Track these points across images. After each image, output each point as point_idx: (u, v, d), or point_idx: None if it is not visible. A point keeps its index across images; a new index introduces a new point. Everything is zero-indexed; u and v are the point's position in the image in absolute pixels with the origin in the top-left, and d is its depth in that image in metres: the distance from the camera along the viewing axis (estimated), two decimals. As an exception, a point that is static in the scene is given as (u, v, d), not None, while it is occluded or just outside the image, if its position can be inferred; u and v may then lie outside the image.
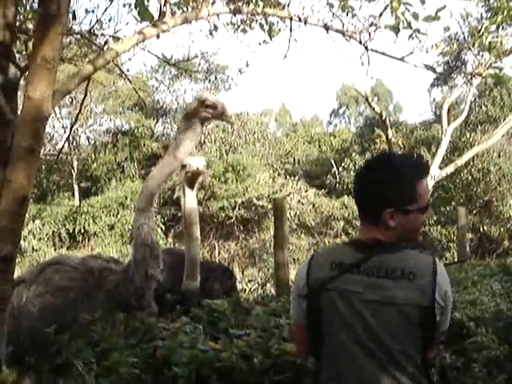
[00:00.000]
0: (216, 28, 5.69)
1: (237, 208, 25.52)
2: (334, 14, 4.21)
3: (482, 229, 21.99)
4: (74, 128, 29.78)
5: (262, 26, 4.69)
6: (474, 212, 22.46)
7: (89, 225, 24.86)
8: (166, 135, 32.57)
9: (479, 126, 23.55)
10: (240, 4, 3.93)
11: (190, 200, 4.98)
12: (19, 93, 2.61)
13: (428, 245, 20.75)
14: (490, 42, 6.01)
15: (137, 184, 27.85)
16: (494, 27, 6.47)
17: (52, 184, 31.89)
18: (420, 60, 4.34)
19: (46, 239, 24.68)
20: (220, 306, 3.65)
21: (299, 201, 26.44)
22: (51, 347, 3.13)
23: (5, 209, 2.26)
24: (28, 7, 4.57)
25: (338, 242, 3.21)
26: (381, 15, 4.12)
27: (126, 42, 3.08)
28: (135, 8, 3.01)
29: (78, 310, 3.48)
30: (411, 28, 4.02)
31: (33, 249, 23.68)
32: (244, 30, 5.27)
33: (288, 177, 28.21)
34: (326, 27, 4.12)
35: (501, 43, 5.55)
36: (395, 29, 3.96)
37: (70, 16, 4.77)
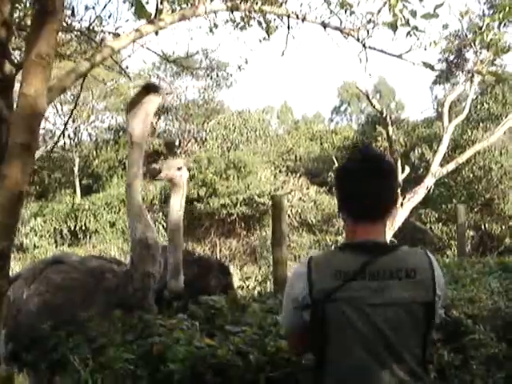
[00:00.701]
0: (216, 25, 5.69)
1: (238, 205, 25.56)
2: (331, 11, 4.21)
3: (483, 226, 21.97)
4: (75, 125, 29.85)
5: (260, 23, 4.69)
6: (476, 210, 22.45)
7: (90, 222, 24.93)
8: (168, 132, 32.60)
9: (481, 124, 23.52)
10: (238, 1, 3.92)
11: (174, 206, 4.99)
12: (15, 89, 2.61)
13: (428, 242, 20.77)
14: (490, 40, 6.01)
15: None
16: (495, 24, 6.47)
17: (54, 181, 31.94)
18: (420, 57, 4.34)
19: (47, 236, 24.76)
20: (217, 303, 3.66)
21: (300, 198, 26.47)
22: (48, 343, 3.14)
23: (0, 205, 2.27)
24: (28, 4, 4.57)
25: (333, 248, 3.17)
26: (379, 12, 4.11)
27: (122, 38, 3.08)
28: (132, 6, 3.01)
29: (78, 310, 3.48)
30: (409, 25, 4.00)
31: (34, 246, 23.77)
32: (244, 28, 5.27)
33: (289, 174, 28.23)
34: (324, 24, 4.11)
35: (499, 40, 5.54)
36: (393, 26, 3.94)
37: (69, 13, 4.79)
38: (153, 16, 3.15)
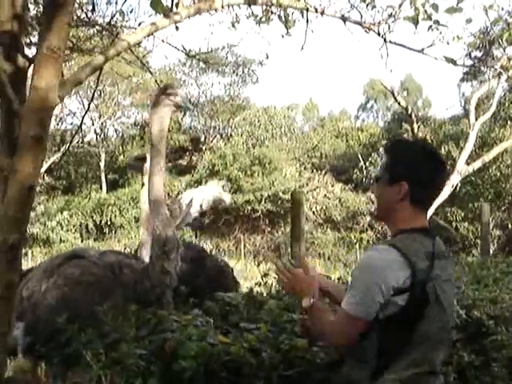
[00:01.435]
0: (238, 20, 5.65)
1: (263, 201, 25.53)
2: (352, 4, 4.15)
3: (510, 225, 21.65)
4: (101, 121, 30.07)
5: (280, 17, 4.64)
6: (503, 209, 22.14)
7: (115, 217, 25.12)
8: (194, 128, 32.72)
9: (509, 122, 23.18)
10: (255, -6, 3.87)
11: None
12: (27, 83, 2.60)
13: (452, 241, 20.48)
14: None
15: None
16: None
17: (80, 176, 32.26)
18: (444, 52, 4.25)
19: (73, 230, 25.01)
20: (233, 300, 3.64)
21: (325, 195, 26.37)
22: (62, 337, 3.14)
23: (11, 198, 2.26)
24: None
25: (404, 234, 3.05)
26: (400, 6, 4.04)
27: (137, 32, 3.07)
28: (149, -1, 3.01)
29: (96, 304, 3.47)
30: (431, 19, 3.94)
31: (60, 240, 24.02)
32: (267, 22, 5.23)
33: (315, 171, 28.13)
34: (344, 18, 4.06)
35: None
36: (414, 20, 3.88)
37: (90, 8, 4.80)
38: (169, 10, 3.14)
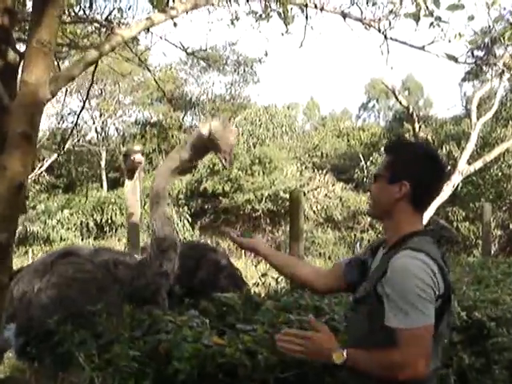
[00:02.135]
0: (237, 17, 5.59)
1: (263, 201, 25.54)
2: (352, 0, 4.09)
3: (511, 225, 21.63)
4: (102, 119, 30.03)
5: (280, 14, 4.58)
6: (504, 208, 22.11)
7: (116, 215, 25.07)
8: (194, 127, 32.66)
9: (510, 122, 23.14)
10: (253, -10, 3.82)
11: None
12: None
13: (454, 241, 20.40)
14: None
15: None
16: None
17: (81, 174, 32.23)
18: (445, 50, 4.19)
19: (73, 229, 24.99)
20: (230, 300, 3.58)
21: (326, 195, 26.37)
22: (54, 338, 3.08)
23: (0, 196, 2.20)
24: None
25: (416, 237, 2.96)
26: (401, 2, 3.98)
27: (132, 27, 3.01)
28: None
29: (93, 302, 3.41)
30: (432, 16, 3.88)
31: (61, 238, 24.00)
32: (266, 19, 5.17)
33: (315, 170, 28.12)
34: (344, 14, 3.99)
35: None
36: (416, 17, 3.82)
37: (88, 4, 4.74)
38: (166, 4, 3.08)
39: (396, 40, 4.14)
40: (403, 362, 2.30)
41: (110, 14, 4.56)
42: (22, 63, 2.43)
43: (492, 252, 13.61)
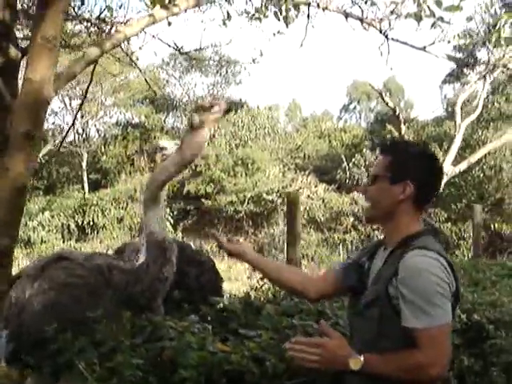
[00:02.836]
0: (229, 17, 5.51)
1: (246, 202, 25.49)
2: (353, 0, 4.04)
3: (492, 227, 21.78)
4: (84, 120, 29.76)
5: (276, 14, 4.50)
6: (486, 210, 22.26)
7: (98, 217, 24.86)
8: (177, 128, 32.53)
9: (491, 124, 23.36)
10: (254, -12, 3.75)
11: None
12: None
13: (443, 242, 20.53)
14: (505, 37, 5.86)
15: (146, 177, 27.79)
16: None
17: (62, 176, 31.92)
18: (438, 51, 4.16)
19: (54, 231, 24.70)
20: (230, 305, 3.51)
21: (309, 196, 26.37)
22: (52, 346, 2.97)
23: (1, 199, 2.10)
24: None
25: (423, 237, 2.84)
26: (403, 2, 3.94)
27: (134, 24, 2.92)
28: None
29: (85, 308, 3.31)
30: (434, 16, 3.83)
31: (42, 240, 23.70)
32: (259, 19, 5.10)
33: (298, 172, 28.11)
34: (346, 14, 3.94)
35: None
36: (417, 17, 3.77)
37: (79, 2, 4.64)
38: (167, 2, 2.99)
39: (397, 40, 4.10)
40: (428, 363, 2.25)
41: (101, 12, 4.46)
42: (22, 60, 2.33)
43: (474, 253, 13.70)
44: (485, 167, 22.07)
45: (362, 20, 3.99)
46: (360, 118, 47.21)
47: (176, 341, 2.83)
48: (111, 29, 4.04)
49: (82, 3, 4.55)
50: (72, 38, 5.25)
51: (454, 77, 27.96)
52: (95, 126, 32.04)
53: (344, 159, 28.09)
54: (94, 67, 3.22)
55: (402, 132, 13.15)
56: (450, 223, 22.16)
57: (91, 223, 24.92)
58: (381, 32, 4.05)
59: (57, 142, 27.09)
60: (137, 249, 3.91)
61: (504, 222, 21.91)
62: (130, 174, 29.08)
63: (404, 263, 2.32)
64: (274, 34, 5.27)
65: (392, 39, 4.10)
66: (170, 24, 4.23)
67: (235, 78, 32.09)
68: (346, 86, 48.74)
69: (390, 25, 4.03)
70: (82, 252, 4.21)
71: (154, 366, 2.73)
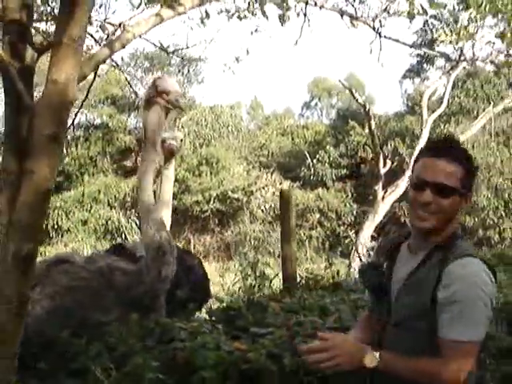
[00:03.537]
0: (208, 16, 5.49)
1: (211, 201, 25.43)
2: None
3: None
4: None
5: (264, 13, 4.49)
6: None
7: (62, 220, 24.49)
8: (139, 129, 32.17)
9: (453, 118, 23.74)
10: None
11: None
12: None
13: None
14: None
15: (110, 178, 27.49)
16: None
17: (22, 179, 31.32)
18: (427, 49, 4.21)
19: (17, 235, 24.22)
20: (234, 303, 3.51)
21: (274, 193, 26.41)
22: (66, 351, 2.93)
23: (25, 203, 2.04)
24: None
25: (458, 241, 2.80)
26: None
27: (142, 24, 2.89)
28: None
29: (89, 310, 3.27)
30: (426, 14, 3.87)
31: (4, 245, 23.22)
32: (240, 18, 5.10)
33: (262, 169, 28.16)
34: (342, 12, 3.96)
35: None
36: (410, 15, 3.81)
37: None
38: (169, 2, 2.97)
39: (390, 38, 4.13)
40: (448, 376, 2.19)
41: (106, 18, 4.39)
42: (37, 61, 2.29)
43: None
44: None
45: (356, 18, 4.02)
46: (322, 114, 47.37)
47: (189, 341, 2.82)
48: (119, 25, 3.99)
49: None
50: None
51: (414, 72, 28.42)
52: (56, 127, 31.51)
53: (308, 156, 28.23)
54: (98, 67, 3.16)
55: (372, 128, 13.32)
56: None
57: (55, 226, 24.54)
58: (374, 30, 4.09)
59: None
60: (135, 249, 3.89)
61: (466, 213, 22.27)
62: (94, 175, 28.69)
63: (453, 272, 2.23)
64: (252, 33, 5.27)
65: (385, 37, 4.14)
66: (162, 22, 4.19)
67: (197, 77, 31.96)
68: (306, 84, 48.95)
69: (380, 23, 4.07)
70: (80, 254, 4.14)
71: (169, 367, 2.71)
